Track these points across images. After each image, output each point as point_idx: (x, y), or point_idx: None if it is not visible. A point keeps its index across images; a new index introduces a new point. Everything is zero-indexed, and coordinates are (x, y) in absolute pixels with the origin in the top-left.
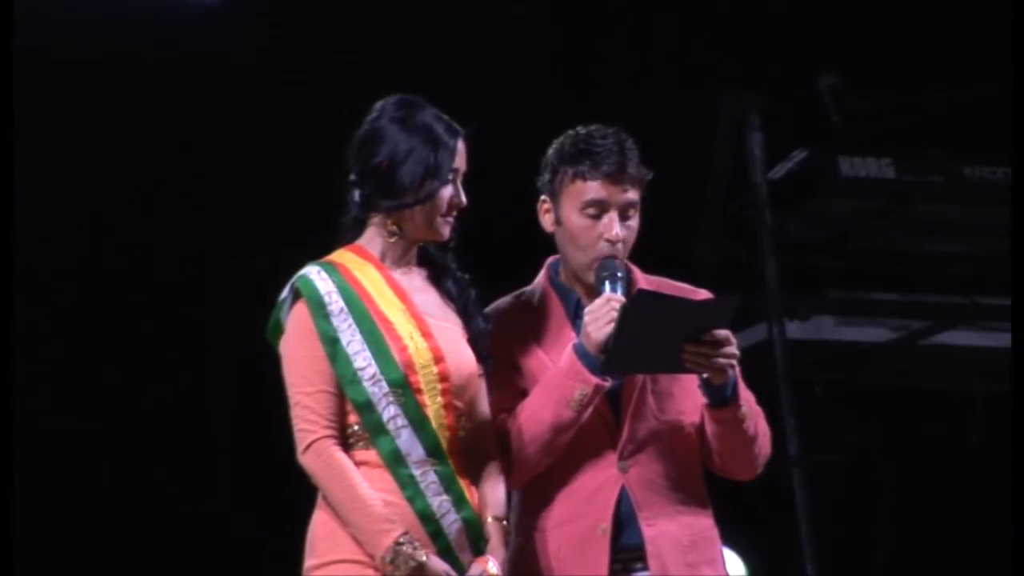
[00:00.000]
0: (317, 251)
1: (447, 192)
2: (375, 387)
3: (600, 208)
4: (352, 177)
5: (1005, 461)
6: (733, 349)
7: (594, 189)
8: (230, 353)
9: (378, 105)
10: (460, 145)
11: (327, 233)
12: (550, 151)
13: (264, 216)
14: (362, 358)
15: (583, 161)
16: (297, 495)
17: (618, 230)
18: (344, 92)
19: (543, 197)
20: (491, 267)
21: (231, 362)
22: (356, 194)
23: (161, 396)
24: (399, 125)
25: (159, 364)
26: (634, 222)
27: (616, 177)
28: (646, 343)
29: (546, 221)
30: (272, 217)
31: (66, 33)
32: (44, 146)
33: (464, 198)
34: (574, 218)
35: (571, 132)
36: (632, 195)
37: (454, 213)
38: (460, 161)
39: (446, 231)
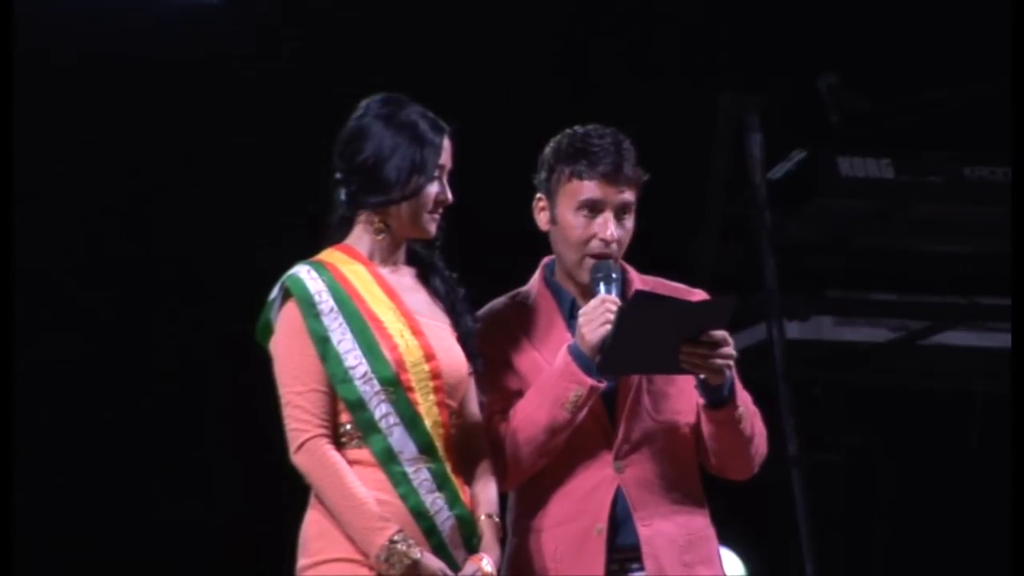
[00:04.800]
0: (315, 250)
1: (433, 188)
2: (366, 386)
3: (595, 208)
4: (338, 175)
5: (1005, 461)
6: (730, 350)
7: (590, 189)
8: (226, 352)
9: (363, 103)
10: (446, 142)
11: (322, 232)
12: (547, 149)
13: (264, 216)
14: (353, 357)
15: (580, 160)
16: (290, 495)
17: (613, 230)
18: (344, 92)
19: (539, 195)
20: (486, 267)
21: (227, 361)
22: (342, 192)
23: (155, 396)
24: (384, 122)
25: (154, 364)
26: (629, 223)
27: (612, 177)
28: (643, 344)
29: (541, 219)
30: (272, 217)
31: (66, 33)
32: (44, 146)
33: (450, 195)
34: (569, 217)
35: (569, 131)
36: (628, 196)
37: (440, 210)
38: (446, 158)
39: (432, 228)
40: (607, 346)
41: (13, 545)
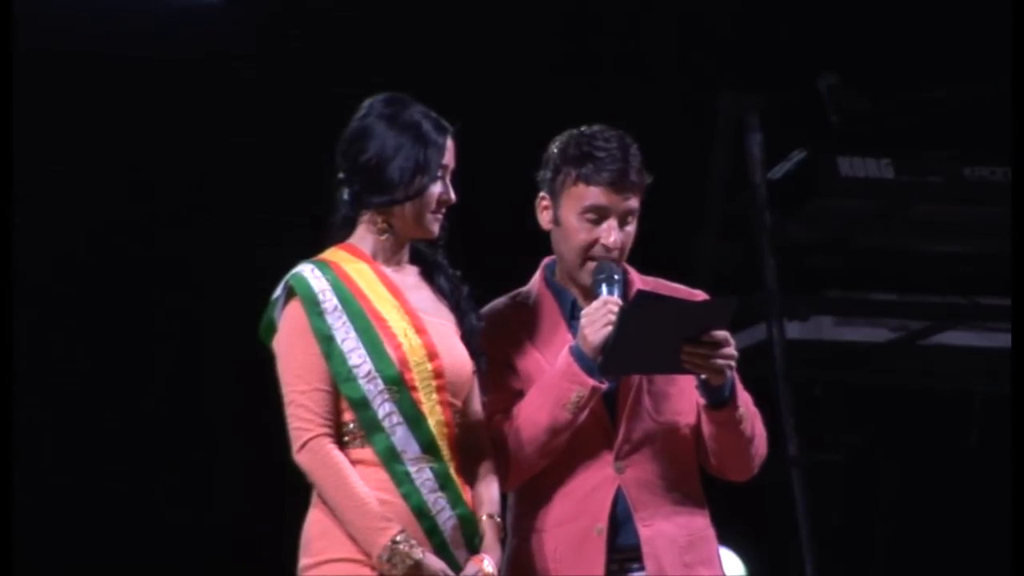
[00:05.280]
0: (317, 250)
1: (436, 188)
2: (370, 384)
3: (601, 214)
4: (341, 175)
5: (1005, 461)
6: (731, 350)
7: (595, 195)
8: (226, 352)
9: (365, 103)
10: (449, 142)
11: (324, 232)
12: (553, 148)
13: (263, 215)
14: (357, 355)
15: (586, 164)
16: (292, 494)
17: (616, 237)
18: (344, 92)
19: (542, 194)
20: (487, 267)
21: (227, 361)
22: (345, 192)
23: (158, 395)
24: (387, 122)
25: (156, 364)
26: (632, 227)
27: (619, 185)
28: (645, 344)
29: (543, 218)
30: (272, 216)
31: (66, 33)
32: (44, 146)
33: (453, 195)
34: (573, 221)
35: (575, 131)
36: (633, 203)
37: (443, 210)
38: (449, 158)
39: (435, 228)
40: (609, 346)
41: (13, 545)
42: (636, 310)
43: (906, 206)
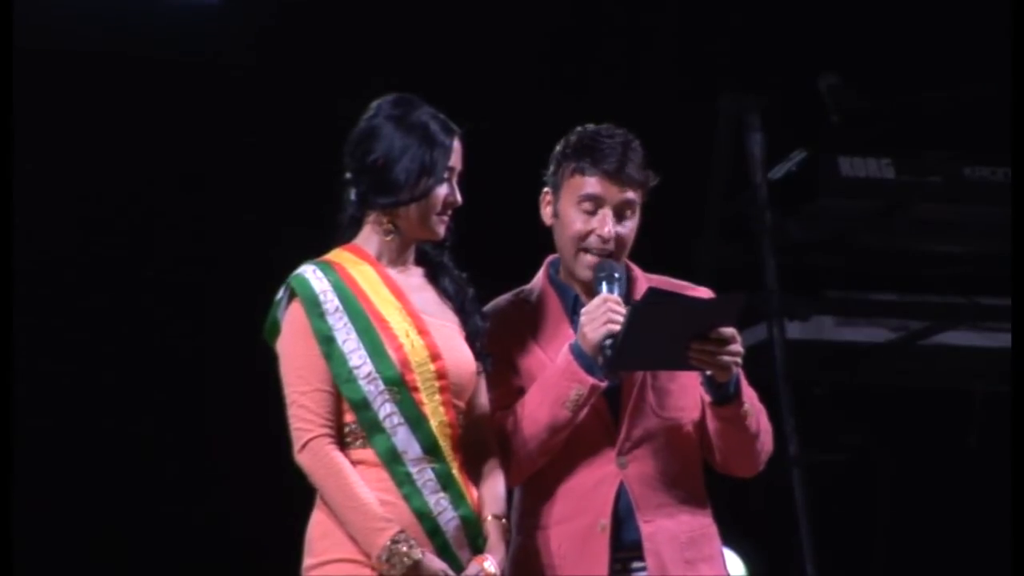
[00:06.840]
0: (315, 250)
1: (442, 190)
2: (371, 385)
3: (596, 203)
4: (348, 175)
5: (1004, 461)
6: (738, 347)
7: (591, 184)
8: (228, 352)
9: (374, 103)
10: (456, 144)
11: (325, 232)
12: (558, 146)
13: (263, 215)
14: (357, 356)
15: (585, 156)
16: (296, 495)
17: (611, 227)
18: (343, 92)
19: (545, 189)
20: (490, 266)
21: (229, 361)
22: (352, 192)
23: (159, 395)
24: (395, 123)
25: (158, 364)
26: (631, 223)
27: (615, 176)
28: (653, 341)
29: (546, 214)
30: (271, 216)
31: (66, 33)
32: (43, 146)
33: (459, 197)
34: (570, 211)
35: (580, 128)
36: (630, 195)
37: (449, 212)
38: (456, 160)
39: (441, 230)
40: (618, 343)
41: (13, 545)
42: (647, 307)
43: (906, 206)
